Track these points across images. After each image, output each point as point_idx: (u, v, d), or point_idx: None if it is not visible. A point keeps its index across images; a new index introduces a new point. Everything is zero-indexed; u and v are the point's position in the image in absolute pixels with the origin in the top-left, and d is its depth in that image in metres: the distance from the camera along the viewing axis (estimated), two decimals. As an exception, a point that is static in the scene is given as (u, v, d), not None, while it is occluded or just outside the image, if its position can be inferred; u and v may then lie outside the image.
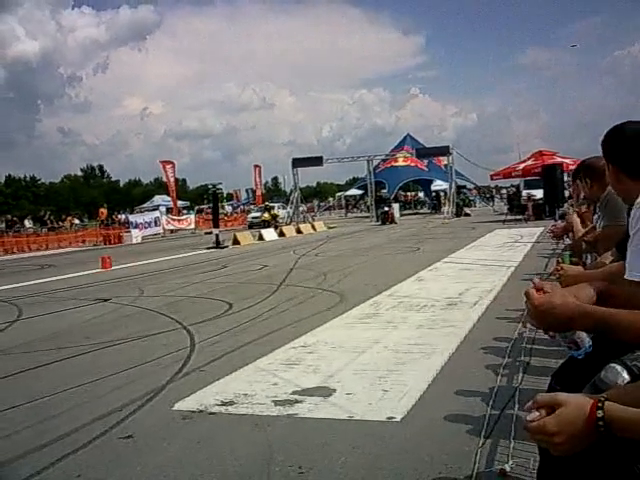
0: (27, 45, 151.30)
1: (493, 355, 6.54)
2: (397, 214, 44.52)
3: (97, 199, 78.91)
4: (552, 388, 2.41)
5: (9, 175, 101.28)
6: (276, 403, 5.41)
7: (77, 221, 50.18)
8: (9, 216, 42.12)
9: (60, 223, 43.85)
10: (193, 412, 5.32)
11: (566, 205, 27.20)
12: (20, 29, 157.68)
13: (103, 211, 43.68)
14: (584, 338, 2.02)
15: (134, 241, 36.88)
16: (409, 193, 59.39)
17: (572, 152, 41.94)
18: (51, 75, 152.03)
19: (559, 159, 37.08)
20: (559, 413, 1.55)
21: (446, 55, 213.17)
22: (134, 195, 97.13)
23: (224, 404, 5.47)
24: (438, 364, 6.33)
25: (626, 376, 2.01)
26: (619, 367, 2.04)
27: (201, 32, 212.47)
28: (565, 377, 2.38)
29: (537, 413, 1.57)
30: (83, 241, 38.87)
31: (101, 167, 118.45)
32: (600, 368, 2.11)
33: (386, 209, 41.03)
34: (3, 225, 38.00)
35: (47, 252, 33.40)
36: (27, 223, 41.86)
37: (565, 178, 32.24)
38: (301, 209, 48.63)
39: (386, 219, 39.40)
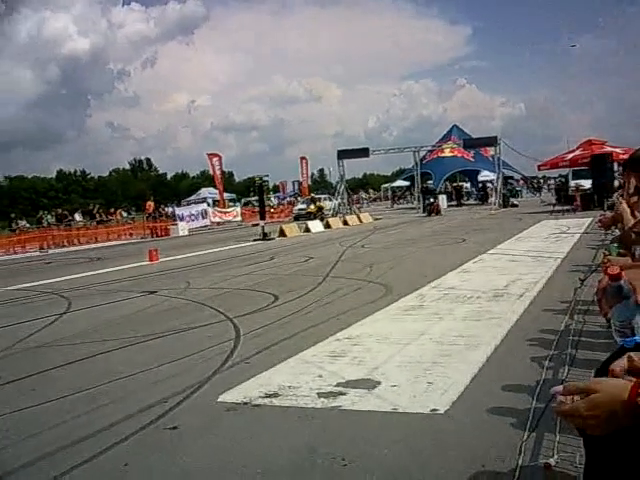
0: (78, 42, 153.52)
1: (539, 347, 6.46)
2: (444, 205, 44.22)
3: (144, 192, 79.99)
4: None
5: (60, 170, 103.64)
6: (320, 395, 5.43)
7: (125, 214, 50.91)
8: (60, 210, 42.79)
9: (109, 216, 44.50)
10: (237, 404, 5.37)
11: (615, 195, 26.79)
12: (72, 27, 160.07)
13: (150, 204, 44.14)
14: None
15: (181, 234, 37.25)
16: (455, 184, 58.85)
17: (623, 141, 41.20)
18: (101, 71, 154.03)
19: (609, 148, 36.42)
20: (593, 397, 1.53)
21: (494, 45, 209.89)
22: (181, 188, 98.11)
23: (268, 396, 5.51)
24: (483, 356, 6.29)
25: None
26: None
27: (248, 26, 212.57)
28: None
29: (562, 398, 1.56)
30: (131, 234, 39.42)
31: (148, 160, 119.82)
32: None
33: (432, 200, 40.81)
34: (54, 219, 38.65)
35: (96, 245, 33.99)
36: (77, 217, 42.55)
37: (615, 168, 31.66)
38: (347, 200, 48.51)
39: (432, 210, 39.12)
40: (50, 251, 31.30)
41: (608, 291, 2.13)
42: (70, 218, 40.58)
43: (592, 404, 1.52)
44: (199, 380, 6.10)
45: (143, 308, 10.93)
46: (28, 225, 38.93)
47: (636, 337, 1.94)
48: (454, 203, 53.25)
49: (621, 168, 9.66)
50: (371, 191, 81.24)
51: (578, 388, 1.58)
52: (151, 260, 19.86)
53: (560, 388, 1.62)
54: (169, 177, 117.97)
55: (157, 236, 37.10)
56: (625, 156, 22.58)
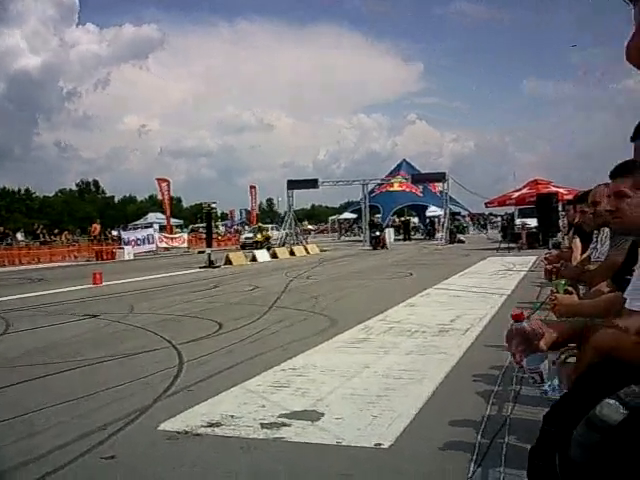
0: (29, 60, 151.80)
1: (484, 383, 6.47)
2: (391, 239, 44.54)
3: (91, 214, 78.76)
4: (545, 431, 2.36)
5: (4, 187, 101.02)
6: (263, 426, 5.33)
7: (70, 237, 50.06)
8: (1, 228, 41.81)
9: (53, 237, 43.66)
10: (179, 433, 5.24)
11: (559, 234, 27.32)
12: (24, 44, 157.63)
13: (96, 226, 43.56)
14: (549, 371, 2.02)
15: (126, 257, 36.72)
16: (403, 218, 59.59)
17: (569, 183, 42.20)
18: (51, 89, 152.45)
19: (554, 188, 37.26)
20: None
21: (445, 82, 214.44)
22: (128, 212, 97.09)
23: (210, 425, 5.38)
24: (428, 390, 6.27)
25: (623, 411, 1.97)
26: (615, 402, 1.99)
27: (204, 53, 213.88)
28: (557, 417, 2.33)
29: None
30: (75, 256, 38.70)
31: (96, 182, 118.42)
32: (593, 406, 2.06)
33: (377, 234, 40.95)
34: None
35: (39, 266, 33.17)
36: (19, 236, 41.67)
37: (560, 208, 32.35)
38: (296, 231, 48.59)
39: (377, 244, 39.37)
40: (-11, 270, 30.47)
41: (514, 332, 2.19)
42: (12, 237, 39.66)
43: None
44: (140, 407, 5.94)
45: (85, 332, 10.67)
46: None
47: (548, 384, 1.97)
48: (401, 237, 53.79)
49: (567, 207, 9.84)
50: (305, 223, 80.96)
51: None
52: (95, 283, 19.51)
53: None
54: (117, 200, 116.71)
55: (102, 259, 36.42)
56: (569, 196, 23.11)
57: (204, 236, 36.35)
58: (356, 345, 8.81)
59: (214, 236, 38.90)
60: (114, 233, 46.48)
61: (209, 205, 29.81)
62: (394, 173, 60.68)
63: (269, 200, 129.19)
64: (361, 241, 48.27)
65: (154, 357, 8.33)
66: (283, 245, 42.45)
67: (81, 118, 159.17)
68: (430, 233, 53.51)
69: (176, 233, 51.29)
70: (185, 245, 45.99)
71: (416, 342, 8.85)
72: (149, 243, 41.80)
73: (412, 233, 58.83)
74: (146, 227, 50.69)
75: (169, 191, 52.93)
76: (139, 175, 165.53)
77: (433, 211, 57.91)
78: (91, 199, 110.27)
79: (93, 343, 9.60)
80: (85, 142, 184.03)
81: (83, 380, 7.22)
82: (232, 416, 5.62)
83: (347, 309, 12.46)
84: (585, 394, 2.12)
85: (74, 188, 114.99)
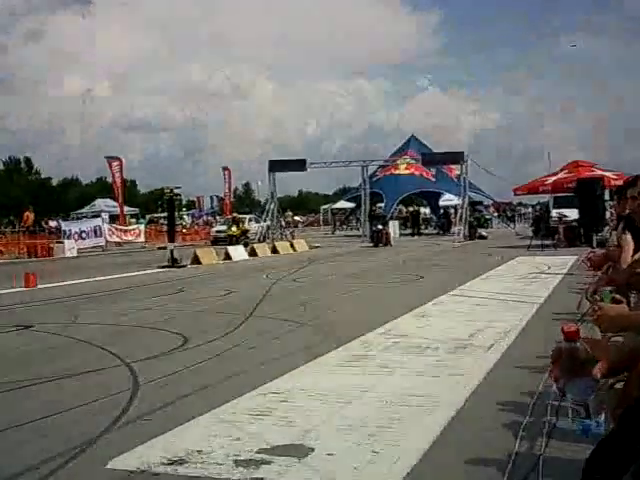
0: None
1: (511, 412, 6.51)
2: (396, 233, 44.58)
3: (21, 200, 78.35)
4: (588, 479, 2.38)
5: None
6: (238, 463, 5.34)
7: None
8: None
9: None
10: (132, 472, 5.25)
11: (606, 229, 27.30)
12: None
13: (29, 215, 43.40)
14: (598, 408, 2.02)
15: (68, 254, 36.64)
16: (411, 208, 59.54)
17: (617, 166, 42.23)
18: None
19: (598, 172, 37.13)
20: None
21: (466, 39, 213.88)
22: (69, 198, 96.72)
23: (172, 463, 5.40)
24: (442, 421, 6.28)
25: None
26: None
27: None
28: (601, 463, 2.35)
29: None
30: (1, 252, 38.51)
31: (28, 160, 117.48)
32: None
33: (379, 227, 40.92)
34: None
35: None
36: None
37: (606, 196, 32.18)
38: (279, 223, 48.60)
39: (380, 240, 39.30)
40: None
41: (563, 353, 2.17)
42: None
43: None
44: (84, 441, 5.94)
45: (15, 347, 10.69)
46: None
47: (592, 422, 1.97)
48: (409, 232, 53.80)
49: (616, 197, 9.79)
50: (289, 213, 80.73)
51: None
52: (28, 286, 19.47)
53: None
54: (54, 183, 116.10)
55: (36, 256, 36.31)
56: (618, 182, 23.08)
57: (165, 229, 36.19)
58: (353, 364, 8.82)
59: (178, 229, 38.88)
60: (52, 224, 46.40)
61: (172, 190, 29.70)
62: (400, 153, 60.72)
63: (246, 185, 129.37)
64: (360, 236, 48.35)
65: (102, 378, 8.33)
66: (264, 240, 42.60)
67: (8, 79, 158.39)
68: (444, 227, 53.53)
69: (130, 224, 51.17)
70: (142, 239, 46.00)
71: (427, 361, 8.88)
72: (96, 236, 41.75)
73: (422, 227, 58.84)
74: (93, 217, 50.62)
75: (121, 173, 52.71)
76: (83, 152, 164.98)
77: (448, 200, 57.99)
78: (22, 181, 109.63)
79: (25, 361, 9.61)
80: (13, 109, 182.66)
81: (10, 407, 7.22)
82: (199, 451, 5.63)
83: (342, 319, 12.51)
84: (635, 435, 2.13)
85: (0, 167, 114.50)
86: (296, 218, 77.89)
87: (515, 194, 44.21)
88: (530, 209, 66.70)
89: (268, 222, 47.85)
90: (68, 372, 8.65)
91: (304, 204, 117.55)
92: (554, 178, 39.22)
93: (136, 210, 70.70)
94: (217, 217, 65.94)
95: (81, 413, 6.89)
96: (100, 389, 7.72)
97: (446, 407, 6.74)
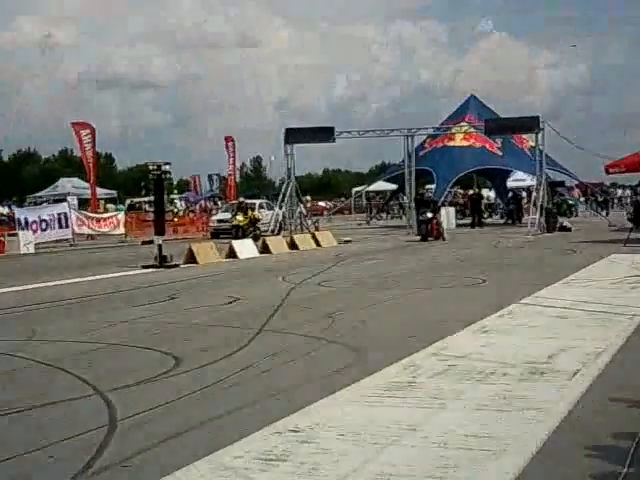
0: None
1: (605, 460, 6.32)
2: (451, 224, 44.53)
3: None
4: None
5: None
6: (245, 528, 5.22)
7: None
8: None
9: None
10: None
11: None
12: None
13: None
14: None
15: (23, 250, 36.88)
16: (471, 191, 59.14)
17: None
18: None
19: None
20: None
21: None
22: (25, 176, 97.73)
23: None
24: (513, 470, 6.12)
25: None
26: None
27: None
28: None
29: None
30: None
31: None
32: None
33: (429, 215, 40.20)
34: None
35: None
36: None
37: None
38: (298, 210, 48.55)
39: (429, 232, 38.91)
40: None
41: None
42: None
43: None
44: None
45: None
46: None
47: None
48: (468, 221, 53.71)
49: None
50: (308, 197, 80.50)
51: None
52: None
53: None
54: (5, 158, 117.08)
55: (-17, 252, 36.57)
56: None
57: (151, 217, 36.26)
58: (395, 394, 8.71)
59: (168, 217, 38.88)
60: (2, 211, 46.57)
61: (159, 167, 29.46)
62: (457, 118, 60.21)
63: (256, 161, 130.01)
64: (404, 227, 48.24)
65: (69, 412, 8.26)
66: (279, 233, 42.62)
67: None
68: (514, 215, 53.50)
69: (106, 211, 51.48)
70: (121, 231, 46.20)
71: (492, 390, 8.74)
72: (61, 227, 41.89)
73: (485, 215, 58.74)
74: (56, 201, 50.86)
75: (93, 144, 52.57)
76: (42, 118, 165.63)
77: (519, 179, 58.01)
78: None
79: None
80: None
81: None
82: (194, 510, 5.51)
83: (381, 335, 12.46)
84: None
85: None
86: (321, 204, 78.26)
87: (608, 172, 43.63)
88: (628, 192, 66.58)
89: (285, 209, 47.73)
90: (23, 405, 8.57)
91: (331, 186, 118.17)
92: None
93: (113, 193, 71.34)
94: (218, 202, 66.42)
95: (43, 456, 6.77)
96: (66, 426, 7.63)
97: (517, 452, 6.59)
